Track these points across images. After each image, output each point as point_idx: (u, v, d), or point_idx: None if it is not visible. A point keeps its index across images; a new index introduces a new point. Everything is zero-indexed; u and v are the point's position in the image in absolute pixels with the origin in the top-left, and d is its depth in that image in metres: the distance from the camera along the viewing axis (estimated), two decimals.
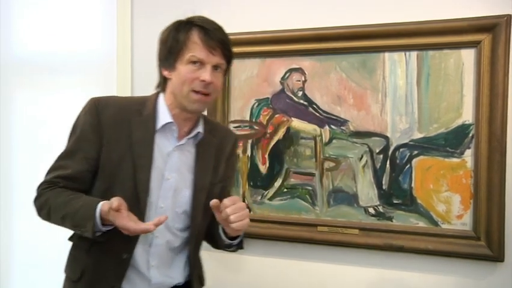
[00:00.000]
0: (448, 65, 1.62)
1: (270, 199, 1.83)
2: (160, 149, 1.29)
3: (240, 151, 1.86)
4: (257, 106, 1.84)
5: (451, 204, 1.63)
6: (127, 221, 1.12)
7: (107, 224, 1.16)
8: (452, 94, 1.62)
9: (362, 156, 1.72)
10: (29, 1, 2.28)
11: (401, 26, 1.64)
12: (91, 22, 2.15)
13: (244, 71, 1.85)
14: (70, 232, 1.34)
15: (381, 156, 1.70)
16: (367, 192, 1.72)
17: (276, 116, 1.82)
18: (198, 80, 1.23)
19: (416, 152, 1.66)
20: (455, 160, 1.62)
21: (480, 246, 1.59)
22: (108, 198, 1.16)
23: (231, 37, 1.81)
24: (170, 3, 1.96)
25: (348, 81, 1.73)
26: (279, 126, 1.82)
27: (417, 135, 1.66)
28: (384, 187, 1.70)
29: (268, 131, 1.83)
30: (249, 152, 1.86)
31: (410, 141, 1.67)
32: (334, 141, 1.75)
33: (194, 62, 1.23)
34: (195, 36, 1.23)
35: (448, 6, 1.62)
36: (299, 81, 1.78)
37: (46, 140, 2.09)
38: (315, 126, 1.77)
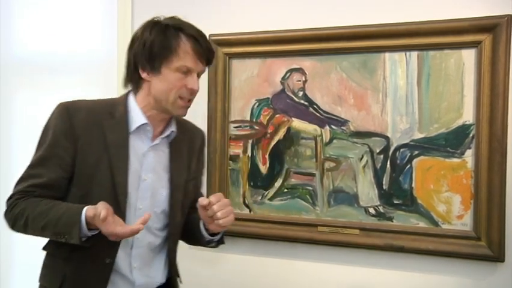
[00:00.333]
0: (449, 65, 1.62)
1: (271, 199, 1.83)
2: (135, 150, 1.29)
3: (240, 151, 1.86)
4: (257, 106, 1.84)
5: (451, 205, 1.63)
6: (114, 227, 1.11)
7: (93, 228, 1.15)
8: (453, 94, 1.62)
9: (362, 157, 1.72)
10: (29, 1, 2.27)
11: (402, 26, 1.64)
12: (91, 22, 2.15)
13: (244, 71, 1.85)
14: (44, 241, 1.32)
15: (382, 156, 1.70)
16: (367, 192, 1.72)
17: (277, 116, 1.82)
18: (185, 88, 1.26)
19: (416, 152, 1.66)
20: (455, 160, 1.62)
21: (480, 246, 1.59)
22: (86, 203, 1.17)
23: (232, 37, 1.84)
24: (170, 4, 1.96)
25: (349, 81, 1.73)
26: (279, 126, 1.82)
27: (418, 136, 1.66)
28: (384, 187, 1.70)
29: (269, 131, 1.83)
30: (249, 152, 1.86)
31: (410, 141, 1.67)
32: (334, 141, 1.75)
33: (183, 71, 1.25)
34: (187, 46, 1.24)
35: (449, 6, 1.62)
36: (300, 81, 1.78)
37: None
38: (316, 127, 1.77)
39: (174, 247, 1.42)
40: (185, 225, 1.43)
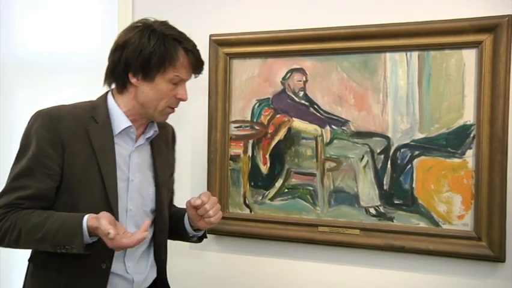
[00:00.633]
0: (449, 65, 1.62)
1: (271, 199, 1.83)
2: (121, 152, 1.30)
3: (241, 151, 1.86)
4: (258, 106, 1.84)
5: (452, 205, 1.63)
6: (121, 242, 1.10)
7: (93, 235, 1.15)
8: (454, 94, 1.62)
9: (363, 157, 1.72)
10: (29, 1, 2.28)
11: (402, 26, 1.64)
12: (92, 22, 2.15)
13: (245, 71, 1.85)
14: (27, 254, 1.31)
15: (382, 156, 1.70)
16: (368, 192, 1.72)
17: (277, 116, 1.82)
18: (174, 97, 1.29)
19: (417, 153, 1.66)
20: (456, 160, 1.62)
21: (481, 246, 1.59)
22: (78, 211, 1.18)
23: (232, 37, 1.84)
24: (171, 4, 1.96)
25: (349, 81, 1.73)
26: (280, 126, 1.82)
27: (419, 136, 1.66)
28: (385, 187, 1.70)
29: (269, 131, 1.83)
30: (250, 152, 1.86)
31: (411, 141, 1.66)
32: (335, 141, 1.75)
33: (175, 82, 1.27)
34: (185, 60, 1.26)
35: (449, 7, 1.62)
36: (300, 81, 1.78)
37: None
38: (316, 127, 1.77)
39: (164, 242, 1.43)
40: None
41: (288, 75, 1.80)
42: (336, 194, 1.75)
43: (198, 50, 1.30)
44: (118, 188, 1.26)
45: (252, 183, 1.85)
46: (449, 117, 1.62)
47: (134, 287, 1.34)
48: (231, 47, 1.84)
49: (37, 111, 1.26)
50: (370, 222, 1.71)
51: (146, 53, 1.22)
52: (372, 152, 1.71)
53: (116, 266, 1.29)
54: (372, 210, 1.72)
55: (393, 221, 1.69)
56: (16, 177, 1.21)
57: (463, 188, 1.62)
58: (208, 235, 1.89)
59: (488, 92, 1.56)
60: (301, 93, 1.78)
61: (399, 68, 1.67)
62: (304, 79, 1.78)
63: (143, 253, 1.38)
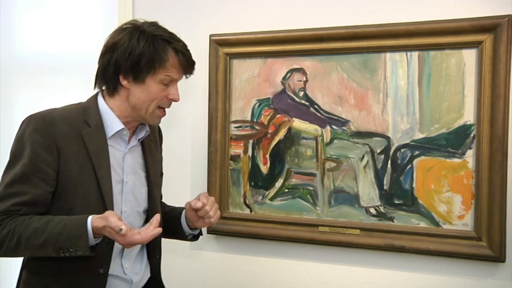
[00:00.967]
0: (449, 65, 1.62)
1: (271, 199, 1.83)
2: (114, 155, 1.30)
3: (241, 151, 1.86)
4: (258, 106, 1.84)
5: (452, 205, 1.63)
6: (133, 238, 1.10)
7: (97, 237, 1.15)
8: (454, 94, 1.62)
9: (363, 157, 1.72)
10: (30, 2, 2.28)
11: (402, 26, 1.63)
12: (92, 23, 2.15)
13: (245, 71, 1.85)
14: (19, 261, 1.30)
15: (383, 156, 1.70)
16: (368, 192, 1.72)
17: (277, 116, 1.81)
18: (166, 98, 1.28)
19: (417, 153, 1.66)
20: (456, 160, 1.62)
21: (481, 246, 1.59)
22: (74, 214, 1.17)
23: (232, 37, 1.84)
24: (171, 5, 1.96)
25: (350, 81, 1.73)
26: (280, 126, 1.82)
27: (419, 136, 1.65)
28: (385, 187, 1.70)
29: (270, 131, 1.83)
30: (250, 152, 1.86)
31: (411, 141, 1.66)
32: (335, 141, 1.75)
33: (165, 83, 1.26)
34: (175, 60, 1.25)
35: (449, 7, 1.62)
36: (300, 81, 1.78)
37: None
38: (317, 127, 1.77)
39: (158, 242, 1.43)
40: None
41: (288, 75, 1.80)
42: (337, 194, 1.75)
43: (188, 50, 1.28)
44: (113, 191, 1.26)
45: (252, 183, 1.85)
46: (449, 117, 1.62)
47: (132, 287, 1.34)
48: (231, 47, 1.84)
49: (29, 116, 1.24)
50: (370, 222, 1.71)
51: (135, 55, 1.21)
52: (372, 152, 1.71)
53: (114, 268, 1.29)
54: (372, 210, 1.72)
55: (393, 221, 1.69)
56: (11, 184, 1.19)
57: (463, 188, 1.62)
58: (208, 235, 1.90)
59: (488, 92, 1.56)
60: (301, 93, 1.78)
61: (399, 68, 1.67)
62: (304, 79, 1.78)
63: (138, 253, 1.38)
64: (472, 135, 1.60)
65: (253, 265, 1.88)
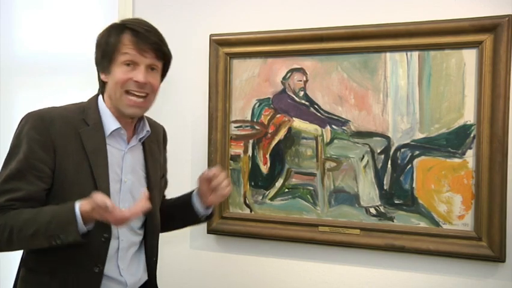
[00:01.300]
0: (450, 65, 1.62)
1: (271, 199, 1.83)
2: (114, 154, 1.30)
3: (241, 151, 1.86)
4: (258, 106, 1.84)
5: (452, 205, 1.63)
6: (122, 213, 1.10)
7: (87, 223, 1.14)
8: (454, 94, 1.62)
9: (363, 157, 1.72)
10: (30, 2, 2.27)
11: (402, 26, 1.64)
12: (93, 23, 2.15)
13: (245, 70, 1.85)
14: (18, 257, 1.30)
15: (383, 156, 1.70)
16: (368, 192, 1.72)
17: (278, 116, 1.81)
18: (131, 81, 1.24)
19: (417, 153, 1.66)
20: (456, 160, 1.62)
21: (481, 246, 1.59)
22: None
23: (232, 37, 1.84)
24: (171, 5, 1.96)
25: (350, 81, 1.73)
26: (280, 126, 1.82)
27: (419, 136, 1.65)
28: (385, 187, 1.70)
29: (270, 131, 1.83)
30: (250, 152, 1.86)
31: (411, 141, 1.66)
32: (335, 141, 1.75)
33: (127, 64, 1.24)
34: (126, 39, 1.24)
35: (449, 7, 1.62)
36: (300, 81, 1.78)
37: None
38: (317, 126, 1.77)
39: (155, 244, 1.43)
40: (166, 212, 1.47)
41: (288, 75, 1.80)
42: (337, 193, 1.75)
43: (147, 30, 1.25)
44: (110, 190, 1.26)
45: (252, 183, 1.85)
46: (449, 117, 1.62)
47: None
48: (231, 47, 1.84)
49: (28, 113, 1.25)
50: (370, 222, 1.71)
51: (100, 49, 1.27)
52: (372, 152, 1.71)
53: (109, 269, 1.28)
54: (372, 210, 1.72)
55: (393, 221, 1.69)
56: (6, 180, 1.20)
57: (463, 188, 1.62)
58: (208, 235, 1.90)
59: (488, 92, 1.56)
60: (301, 93, 1.78)
61: (399, 68, 1.67)
62: (304, 79, 1.78)
63: (135, 255, 1.37)
64: (472, 135, 1.60)
65: (253, 265, 1.88)
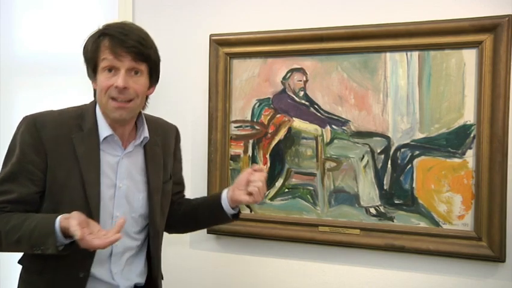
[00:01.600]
0: (450, 65, 1.62)
1: (271, 199, 1.83)
2: (107, 160, 1.29)
3: (241, 151, 1.86)
4: (258, 106, 1.84)
5: (452, 205, 1.63)
6: (92, 242, 1.08)
7: (69, 236, 1.13)
8: (454, 94, 1.62)
9: (363, 157, 1.72)
10: (30, 2, 2.28)
11: (402, 26, 1.64)
12: (93, 23, 2.14)
13: (245, 70, 1.85)
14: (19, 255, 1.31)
15: (383, 156, 1.70)
16: (368, 192, 1.72)
17: (277, 116, 1.81)
18: (113, 87, 1.22)
19: (417, 152, 1.66)
20: (456, 160, 1.62)
21: (481, 246, 1.59)
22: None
23: (232, 37, 1.84)
24: (171, 5, 1.96)
25: (350, 81, 1.73)
26: (280, 126, 1.82)
27: (419, 136, 1.65)
28: (385, 187, 1.70)
29: (270, 131, 1.83)
30: (250, 152, 1.85)
31: (411, 141, 1.66)
32: (335, 141, 1.75)
33: (109, 70, 1.22)
34: (103, 45, 1.22)
35: (449, 7, 1.62)
36: (300, 81, 1.78)
37: None
38: (317, 126, 1.77)
39: (157, 247, 1.42)
40: (192, 212, 1.47)
41: (288, 75, 1.80)
42: (337, 193, 1.75)
43: (124, 33, 1.22)
44: (102, 196, 1.26)
45: None
46: (449, 117, 1.62)
47: None
48: (231, 47, 1.84)
49: (24, 116, 1.26)
50: (370, 222, 1.71)
51: (85, 58, 1.27)
52: (372, 151, 1.71)
53: (101, 273, 1.28)
54: (372, 210, 1.72)
55: (393, 221, 1.69)
56: (0, 182, 1.22)
57: (463, 188, 1.62)
58: (208, 235, 1.90)
59: (488, 92, 1.56)
60: (301, 93, 1.78)
61: (399, 68, 1.67)
62: (304, 79, 1.78)
63: (133, 259, 1.36)
64: (472, 135, 1.60)
65: (253, 265, 1.88)
